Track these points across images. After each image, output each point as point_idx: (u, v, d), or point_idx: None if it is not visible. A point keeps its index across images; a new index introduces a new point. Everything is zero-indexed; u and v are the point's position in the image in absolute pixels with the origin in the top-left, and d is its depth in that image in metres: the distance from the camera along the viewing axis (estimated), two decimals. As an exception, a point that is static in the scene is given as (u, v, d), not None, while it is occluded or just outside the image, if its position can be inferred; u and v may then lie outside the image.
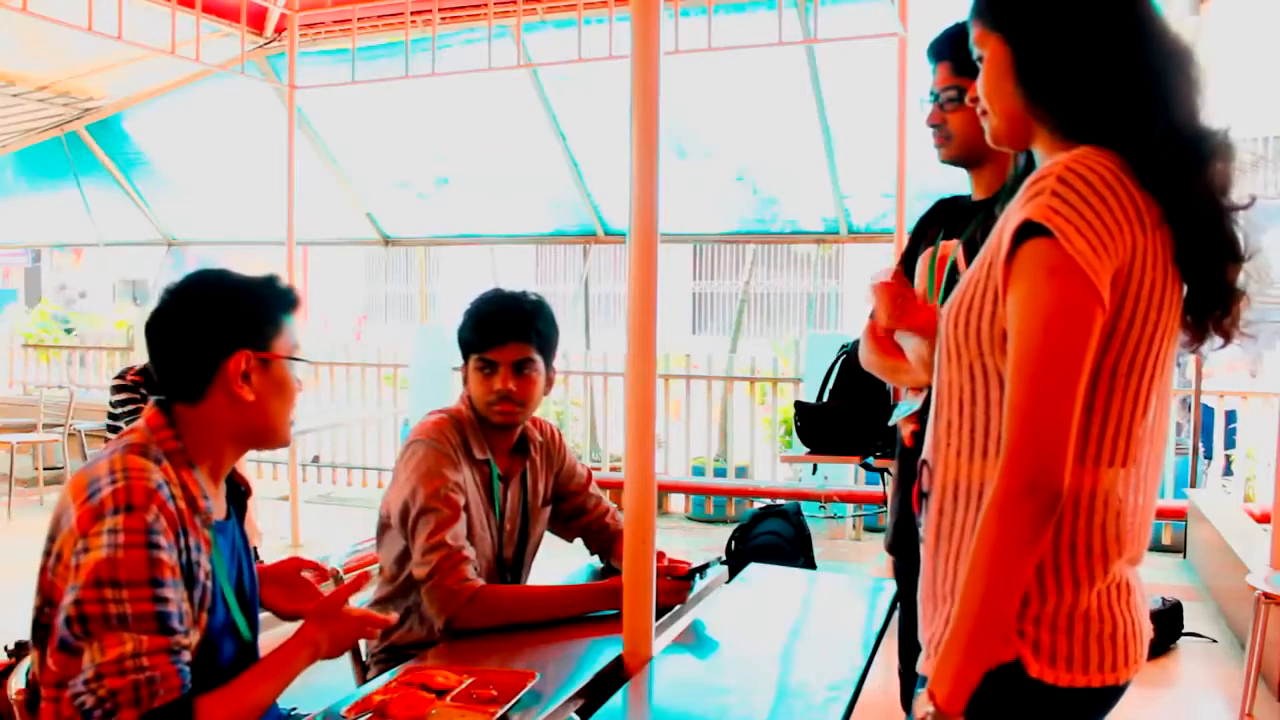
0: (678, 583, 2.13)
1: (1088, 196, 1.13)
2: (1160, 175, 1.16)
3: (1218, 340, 1.26)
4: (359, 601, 2.21)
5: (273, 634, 1.59)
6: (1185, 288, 1.22)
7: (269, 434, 1.58)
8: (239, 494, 1.65)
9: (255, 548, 4.96)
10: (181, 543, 1.42)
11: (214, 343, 1.51)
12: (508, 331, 2.15)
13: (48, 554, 1.42)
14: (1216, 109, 1.22)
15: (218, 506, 1.55)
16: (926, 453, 1.32)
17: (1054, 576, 1.20)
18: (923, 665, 1.29)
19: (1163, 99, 1.19)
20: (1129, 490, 1.22)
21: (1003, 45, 1.26)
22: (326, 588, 1.84)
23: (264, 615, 1.76)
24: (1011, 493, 1.14)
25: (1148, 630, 1.27)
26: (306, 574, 1.80)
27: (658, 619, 1.91)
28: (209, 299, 1.54)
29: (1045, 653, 1.19)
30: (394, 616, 1.75)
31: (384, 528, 2.18)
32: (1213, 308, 1.23)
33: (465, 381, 2.22)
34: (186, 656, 1.39)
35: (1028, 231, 1.15)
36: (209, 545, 1.49)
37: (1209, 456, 6.15)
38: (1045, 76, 1.23)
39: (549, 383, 2.24)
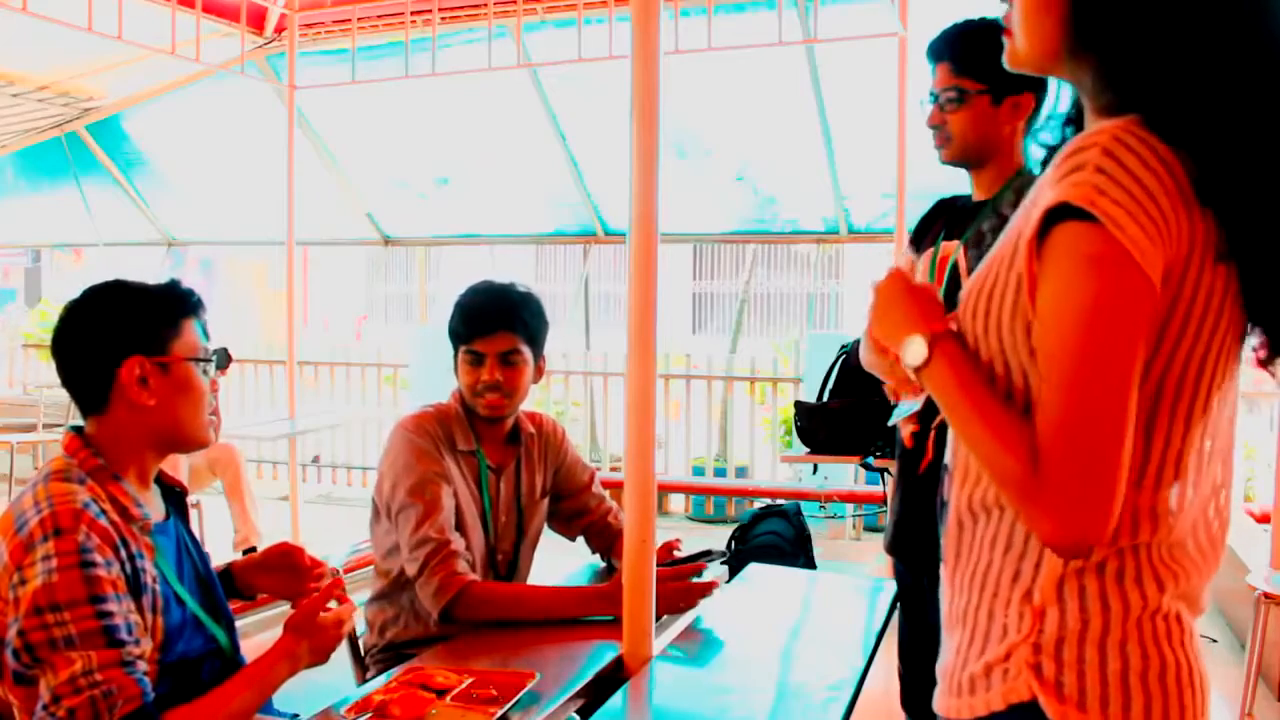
0: (679, 587, 2.09)
1: (1140, 175, 0.93)
2: (1220, 177, 0.95)
3: None
4: (358, 601, 2.22)
5: (261, 639, 1.59)
6: (1245, 294, 1.01)
7: (181, 436, 1.58)
8: (174, 494, 1.67)
9: (254, 546, 4.98)
10: (122, 554, 1.42)
11: (106, 352, 1.52)
12: (494, 322, 2.17)
13: None
14: None
15: (153, 509, 1.57)
16: (948, 457, 1.16)
17: (1078, 599, 1.01)
18: (937, 701, 1.14)
19: (1254, 77, 0.97)
20: (1186, 517, 1.03)
21: None
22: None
23: (254, 619, 1.76)
24: (1045, 536, 0.96)
25: (1208, 684, 1.04)
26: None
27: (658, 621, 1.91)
28: (99, 309, 1.55)
29: (1071, 695, 0.99)
30: (352, 604, 1.75)
31: (374, 521, 2.21)
32: None
33: (456, 373, 2.23)
34: (143, 666, 1.39)
35: (1063, 214, 0.95)
36: (151, 550, 1.50)
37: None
38: (1104, 19, 1.00)
39: (539, 373, 2.24)
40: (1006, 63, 1.12)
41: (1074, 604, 1.01)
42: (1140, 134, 0.95)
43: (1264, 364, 1.04)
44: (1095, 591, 1.00)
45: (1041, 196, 0.99)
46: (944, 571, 1.17)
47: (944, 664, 1.13)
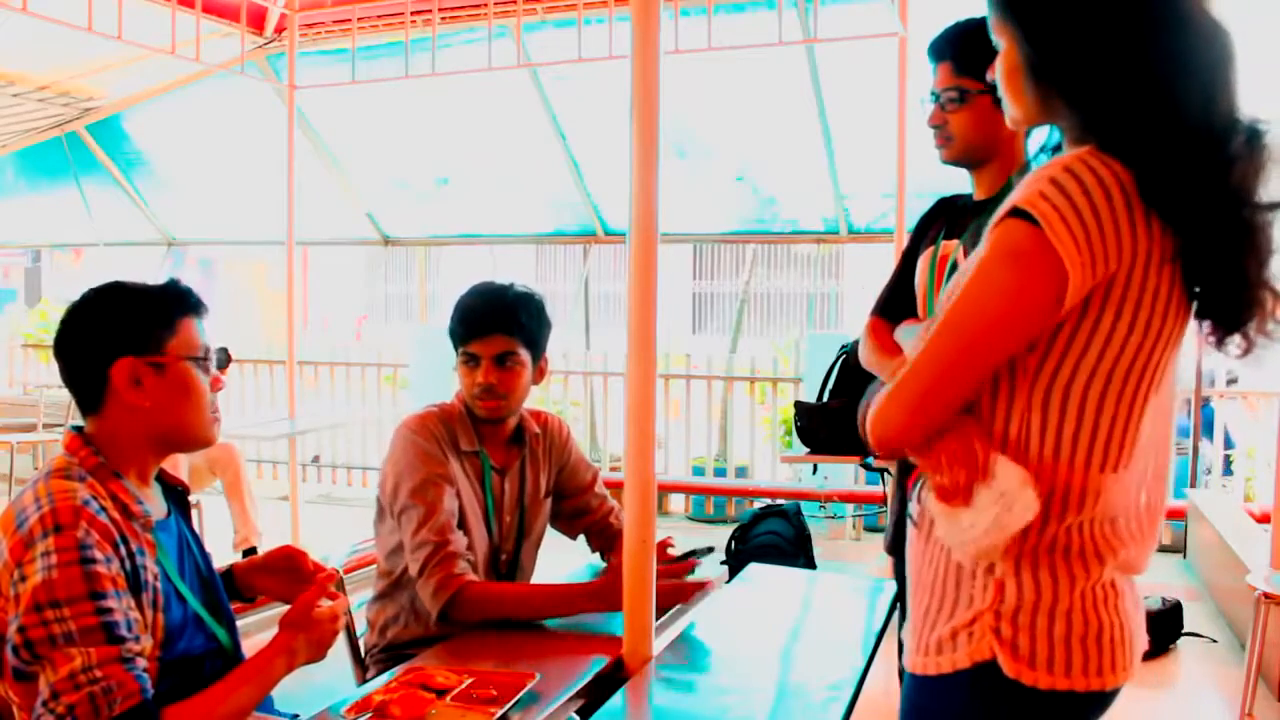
0: (671, 585, 2.09)
1: (1089, 187, 1.08)
2: (1164, 189, 1.09)
3: (1236, 347, 1.16)
4: (359, 602, 2.22)
5: (262, 639, 1.59)
6: (1195, 291, 1.15)
7: (181, 436, 1.58)
8: (176, 492, 1.66)
9: (254, 547, 4.96)
10: (122, 550, 1.42)
11: (98, 353, 1.51)
12: (490, 324, 2.15)
13: None
14: (1248, 100, 1.13)
15: (155, 507, 1.56)
16: None
17: (1032, 573, 1.17)
18: (906, 659, 1.28)
19: (1181, 98, 1.11)
20: (1121, 496, 1.18)
21: (1014, 41, 1.20)
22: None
23: (254, 618, 1.75)
24: (871, 436, 1.21)
25: (1140, 637, 1.23)
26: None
27: (658, 619, 1.91)
28: (94, 311, 1.55)
29: (1024, 655, 1.16)
30: (345, 600, 1.73)
31: (378, 520, 2.20)
32: (1238, 314, 1.15)
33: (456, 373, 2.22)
34: (142, 663, 1.39)
35: (1012, 214, 1.11)
36: (153, 547, 1.50)
37: (1210, 456, 6.14)
38: (1055, 72, 1.17)
39: (539, 374, 2.22)
40: (1010, 125, 1.27)
41: (1029, 577, 1.17)
42: (1100, 156, 1.10)
43: (1217, 347, 1.18)
44: (1046, 567, 1.17)
45: (1004, 206, 1.13)
46: (912, 533, 1.30)
47: (911, 625, 1.28)
